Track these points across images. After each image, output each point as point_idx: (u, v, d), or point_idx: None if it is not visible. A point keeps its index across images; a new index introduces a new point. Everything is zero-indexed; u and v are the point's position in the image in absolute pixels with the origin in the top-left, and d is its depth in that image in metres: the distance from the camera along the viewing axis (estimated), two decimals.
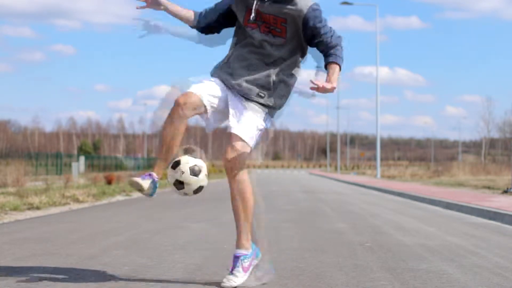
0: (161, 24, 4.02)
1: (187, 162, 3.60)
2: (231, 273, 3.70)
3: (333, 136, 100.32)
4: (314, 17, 3.61)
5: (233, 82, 3.70)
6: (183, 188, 3.60)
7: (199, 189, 3.63)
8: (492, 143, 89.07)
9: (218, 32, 3.96)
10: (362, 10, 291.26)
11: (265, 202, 10.58)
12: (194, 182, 3.58)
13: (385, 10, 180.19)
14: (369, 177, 39.89)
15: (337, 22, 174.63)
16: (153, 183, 3.62)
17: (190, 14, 3.91)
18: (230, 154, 3.62)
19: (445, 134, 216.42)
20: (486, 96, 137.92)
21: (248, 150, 3.67)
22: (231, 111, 3.70)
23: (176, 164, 3.60)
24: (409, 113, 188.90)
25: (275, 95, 3.72)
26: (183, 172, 3.56)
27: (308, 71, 3.88)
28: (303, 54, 3.83)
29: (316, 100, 4.15)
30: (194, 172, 3.57)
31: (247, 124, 3.67)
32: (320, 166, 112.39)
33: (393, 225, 7.96)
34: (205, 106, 3.65)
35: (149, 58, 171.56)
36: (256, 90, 3.69)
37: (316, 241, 6.10)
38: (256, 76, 3.70)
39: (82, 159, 40.95)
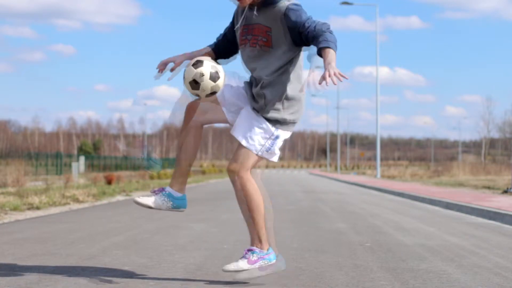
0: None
1: (209, 66, 3.62)
2: (236, 260, 3.78)
3: (333, 136, 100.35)
4: (292, 14, 3.64)
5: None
6: (198, 89, 3.61)
7: (213, 93, 3.65)
8: (492, 143, 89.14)
9: (236, 53, 4.04)
10: (362, 10, 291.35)
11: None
12: (210, 87, 3.61)
13: (385, 10, 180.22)
14: (369, 177, 39.88)
15: (337, 22, 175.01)
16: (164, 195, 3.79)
17: (208, 50, 3.99)
18: (233, 165, 3.75)
19: (445, 134, 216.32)
20: (486, 96, 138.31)
21: (253, 159, 3.76)
22: (238, 120, 3.80)
23: (198, 65, 3.62)
24: (409, 113, 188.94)
25: (270, 106, 3.74)
26: (203, 75, 3.58)
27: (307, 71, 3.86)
28: (294, 58, 3.80)
29: (316, 100, 4.19)
30: (213, 78, 3.60)
31: (253, 133, 3.74)
32: (320, 166, 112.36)
33: (393, 225, 7.96)
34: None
35: (149, 58, 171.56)
36: (252, 105, 3.79)
37: (316, 241, 6.10)
38: (253, 91, 3.79)
39: (82, 159, 40.99)
